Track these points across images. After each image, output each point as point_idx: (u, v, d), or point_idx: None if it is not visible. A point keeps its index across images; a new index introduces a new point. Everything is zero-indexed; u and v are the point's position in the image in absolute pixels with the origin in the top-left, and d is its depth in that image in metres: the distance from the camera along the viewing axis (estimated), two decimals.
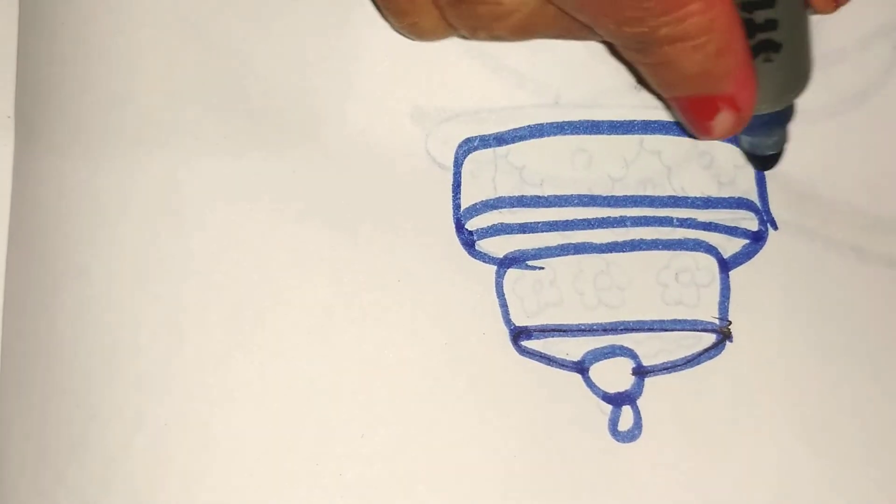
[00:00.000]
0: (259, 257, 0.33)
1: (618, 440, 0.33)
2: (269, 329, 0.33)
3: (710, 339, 0.34)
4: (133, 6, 0.34)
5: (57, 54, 0.34)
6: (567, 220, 0.34)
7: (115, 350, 0.33)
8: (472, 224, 0.34)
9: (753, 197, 0.34)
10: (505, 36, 0.31)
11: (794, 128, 0.33)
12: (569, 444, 0.33)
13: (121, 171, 0.33)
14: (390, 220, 0.34)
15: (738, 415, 0.33)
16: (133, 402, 0.33)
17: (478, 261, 0.34)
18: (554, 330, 0.34)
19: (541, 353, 0.33)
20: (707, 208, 0.34)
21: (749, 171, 0.34)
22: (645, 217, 0.34)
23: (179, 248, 0.33)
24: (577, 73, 0.34)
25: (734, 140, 0.34)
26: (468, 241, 0.34)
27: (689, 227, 0.34)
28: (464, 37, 0.32)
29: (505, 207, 0.34)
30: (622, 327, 0.34)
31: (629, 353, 0.34)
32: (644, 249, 0.34)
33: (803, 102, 0.33)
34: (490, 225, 0.34)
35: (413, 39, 0.32)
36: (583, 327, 0.34)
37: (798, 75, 0.30)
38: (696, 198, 0.34)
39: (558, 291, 0.34)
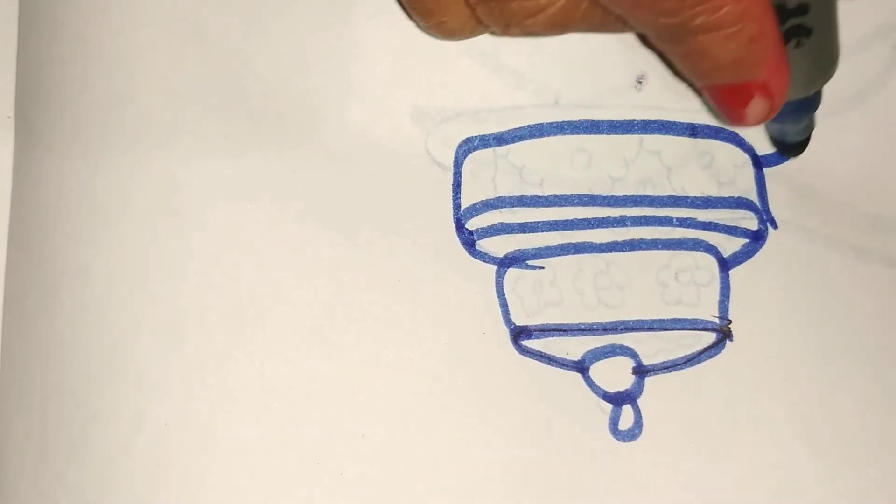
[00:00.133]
0: (259, 257, 0.33)
1: (618, 439, 0.33)
2: (269, 329, 0.33)
3: (710, 338, 0.34)
4: (133, 6, 0.34)
5: (57, 54, 0.34)
6: (567, 220, 0.34)
7: (115, 350, 0.33)
8: (473, 224, 0.34)
9: (753, 196, 0.34)
10: (538, 31, 0.31)
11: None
12: (569, 444, 0.33)
13: (121, 171, 0.33)
14: (390, 219, 0.34)
15: (738, 414, 0.33)
16: (133, 402, 0.33)
17: (478, 260, 0.34)
18: (554, 329, 0.34)
19: (541, 352, 0.33)
20: (707, 208, 0.34)
21: (748, 171, 0.34)
22: (645, 217, 0.34)
23: (179, 248, 0.33)
24: (576, 74, 0.34)
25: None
26: (468, 240, 0.34)
27: (688, 226, 0.34)
28: (494, 33, 0.32)
29: (505, 207, 0.34)
30: (622, 327, 0.34)
31: (629, 353, 0.34)
32: (644, 249, 0.34)
33: None
34: (490, 224, 0.34)
35: (441, 38, 0.32)
36: (583, 327, 0.34)
37: (828, 59, 0.30)
38: (695, 197, 0.34)
39: (558, 291, 0.34)
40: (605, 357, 0.34)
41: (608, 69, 0.34)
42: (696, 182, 0.34)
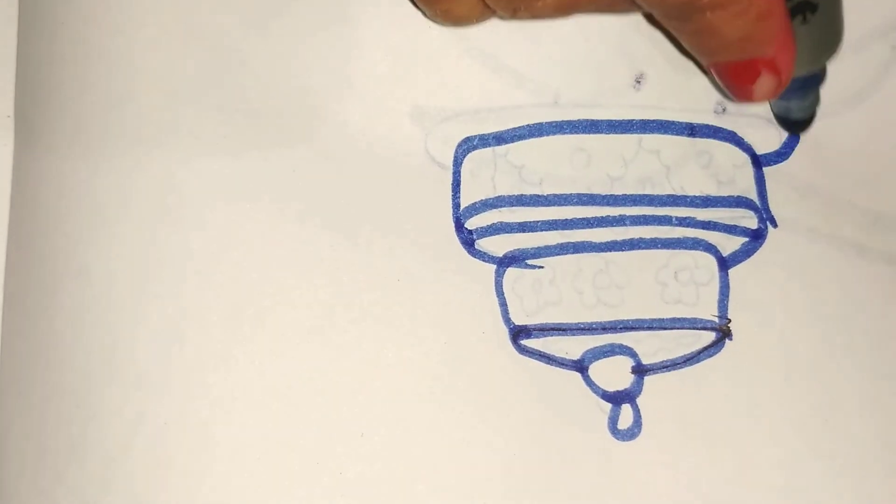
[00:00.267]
0: (259, 257, 0.33)
1: (617, 438, 0.33)
2: (269, 329, 0.33)
3: (710, 337, 0.34)
4: (133, 6, 0.34)
5: (57, 54, 0.34)
6: (566, 220, 0.34)
7: (115, 350, 0.33)
8: (472, 223, 0.34)
9: (753, 195, 0.34)
10: (546, 14, 0.31)
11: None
12: (568, 443, 0.33)
13: (120, 170, 0.33)
14: (390, 219, 0.34)
15: (737, 413, 0.33)
16: (133, 402, 0.33)
17: (477, 260, 0.34)
18: (553, 329, 0.34)
19: (540, 351, 0.33)
20: (706, 207, 0.34)
21: (748, 170, 0.34)
22: (644, 216, 0.34)
23: (179, 248, 0.33)
24: (576, 73, 0.34)
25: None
26: (468, 240, 0.34)
27: (688, 225, 0.34)
28: (502, 17, 0.32)
29: (504, 206, 0.34)
30: (621, 326, 0.34)
31: (628, 352, 0.34)
32: (643, 248, 0.34)
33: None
34: (489, 224, 0.34)
35: (447, 26, 0.32)
36: (582, 326, 0.34)
37: (833, 35, 0.31)
38: (695, 196, 0.34)
39: (557, 290, 0.34)
40: (605, 356, 0.34)
41: (607, 69, 0.34)
42: (696, 181, 0.34)
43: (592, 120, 0.34)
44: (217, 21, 0.34)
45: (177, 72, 0.34)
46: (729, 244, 0.34)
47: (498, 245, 0.34)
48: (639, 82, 0.34)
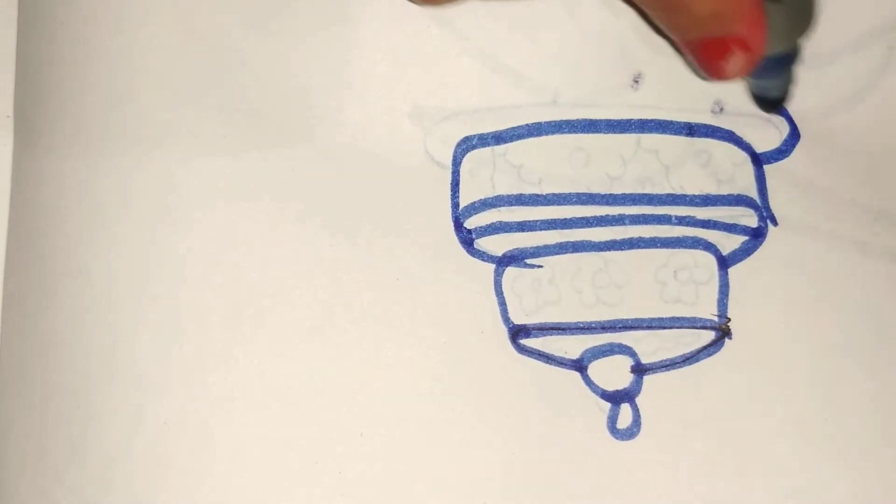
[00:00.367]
0: (258, 257, 0.33)
1: (616, 438, 0.33)
2: (269, 328, 0.33)
3: (709, 336, 0.34)
4: (133, 6, 0.34)
5: (56, 54, 0.34)
6: (565, 219, 0.34)
7: (115, 350, 0.33)
8: (471, 222, 0.34)
9: (753, 193, 0.34)
10: None
11: (797, 126, 0.33)
12: (567, 442, 0.33)
13: (120, 170, 0.33)
14: (389, 219, 0.34)
15: (737, 412, 0.33)
16: (132, 402, 0.33)
17: (476, 259, 0.34)
18: (552, 328, 0.34)
19: (539, 351, 0.33)
20: (706, 205, 0.34)
21: (748, 168, 0.34)
22: (643, 215, 0.34)
23: (179, 247, 0.33)
24: (574, 73, 0.34)
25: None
26: (467, 239, 0.34)
27: (687, 224, 0.34)
28: None
29: (503, 206, 0.34)
30: (621, 325, 0.34)
31: (628, 351, 0.34)
32: (642, 247, 0.34)
33: (801, 102, 0.34)
34: (488, 223, 0.34)
35: (429, 7, 0.32)
36: (581, 325, 0.34)
37: (805, 14, 0.31)
38: (694, 195, 0.34)
39: (557, 290, 0.34)
40: (604, 356, 0.34)
41: (605, 69, 0.34)
42: (695, 180, 0.34)
43: (591, 119, 0.34)
44: (217, 21, 0.34)
45: (177, 72, 0.34)
46: (729, 243, 0.34)
47: (497, 244, 0.34)
48: (636, 82, 0.34)
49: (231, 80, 0.34)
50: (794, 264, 0.34)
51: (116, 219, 0.33)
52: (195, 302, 0.33)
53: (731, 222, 0.34)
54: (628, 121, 0.34)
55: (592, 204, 0.34)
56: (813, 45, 0.33)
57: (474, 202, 0.34)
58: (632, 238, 0.34)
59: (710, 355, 0.34)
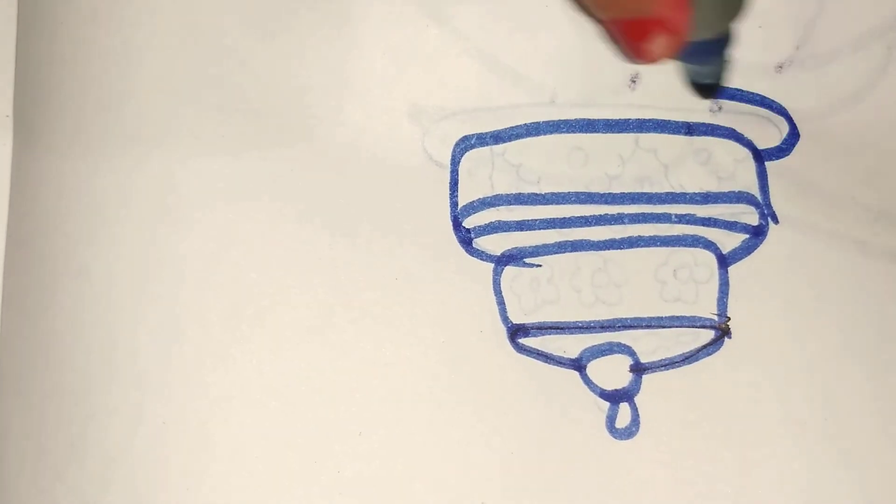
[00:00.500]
0: (258, 256, 0.33)
1: (615, 437, 0.33)
2: (268, 328, 0.33)
3: (709, 335, 0.34)
4: (132, 6, 0.34)
5: (56, 54, 0.34)
6: (564, 218, 0.34)
7: (114, 349, 0.33)
8: (470, 222, 0.34)
9: (755, 190, 0.34)
10: None
11: (797, 125, 0.33)
12: (566, 442, 0.33)
13: (120, 170, 0.34)
14: (388, 218, 0.34)
15: (736, 412, 0.33)
16: (132, 402, 0.33)
17: (475, 258, 0.34)
18: (551, 327, 0.34)
19: (538, 350, 0.33)
20: (706, 203, 0.34)
21: (750, 165, 0.34)
22: (642, 214, 0.34)
23: (178, 247, 0.33)
24: (572, 73, 0.34)
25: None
26: (465, 238, 0.34)
27: (687, 222, 0.34)
28: None
29: (502, 205, 0.34)
30: (620, 324, 0.34)
31: (627, 351, 0.34)
32: (642, 246, 0.34)
33: (801, 102, 0.34)
34: (487, 223, 0.34)
35: None
36: (580, 325, 0.34)
37: (734, 1, 0.30)
38: (694, 193, 0.34)
39: (556, 289, 0.34)
40: (603, 355, 0.34)
41: (603, 68, 0.34)
42: (695, 178, 0.34)
43: (589, 119, 0.34)
44: (217, 21, 0.34)
45: (175, 72, 0.34)
46: (729, 241, 0.34)
47: (496, 244, 0.34)
48: (634, 82, 0.34)
49: (231, 80, 0.34)
50: (795, 263, 0.34)
51: (116, 219, 0.33)
52: (195, 302, 0.33)
53: (732, 220, 0.34)
54: (626, 120, 0.34)
55: (591, 203, 0.34)
56: (813, 45, 0.33)
57: (473, 201, 0.34)
58: (631, 237, 0.34)
59: (709, 355, 0.34)
